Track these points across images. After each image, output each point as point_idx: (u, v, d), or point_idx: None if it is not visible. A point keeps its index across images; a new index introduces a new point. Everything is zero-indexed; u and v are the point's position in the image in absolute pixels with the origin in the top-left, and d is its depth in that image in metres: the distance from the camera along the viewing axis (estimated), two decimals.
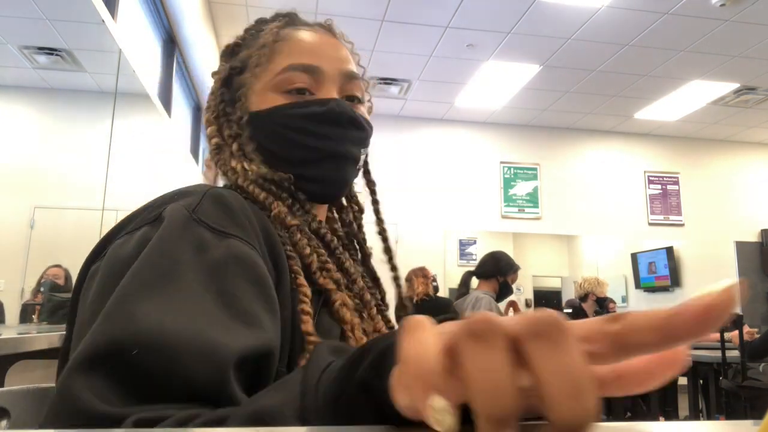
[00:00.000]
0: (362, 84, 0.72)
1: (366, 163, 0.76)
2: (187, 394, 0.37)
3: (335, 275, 0.61)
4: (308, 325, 0.52)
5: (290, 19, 0.73)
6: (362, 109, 0.72)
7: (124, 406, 0.35)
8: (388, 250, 0.77)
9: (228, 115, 0.69)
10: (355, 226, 0.76)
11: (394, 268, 0.76)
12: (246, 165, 0.65)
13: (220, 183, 0.70)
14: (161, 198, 0.53)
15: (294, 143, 0.65)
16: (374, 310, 0.66)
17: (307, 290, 0.54)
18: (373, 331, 0.63)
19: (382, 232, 0.77)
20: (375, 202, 0.79)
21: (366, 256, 0.76)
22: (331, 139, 0.65)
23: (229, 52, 0.74)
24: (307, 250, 0.59)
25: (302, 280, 0.55)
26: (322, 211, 0.71)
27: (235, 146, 0.67)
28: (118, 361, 0.36)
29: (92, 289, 0.46)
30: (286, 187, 0.65)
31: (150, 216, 0.49)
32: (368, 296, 0.65)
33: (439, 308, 3.87)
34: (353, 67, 0.71)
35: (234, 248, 0.47)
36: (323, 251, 0.62)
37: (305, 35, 0.70)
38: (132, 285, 0.41)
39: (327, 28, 0.73)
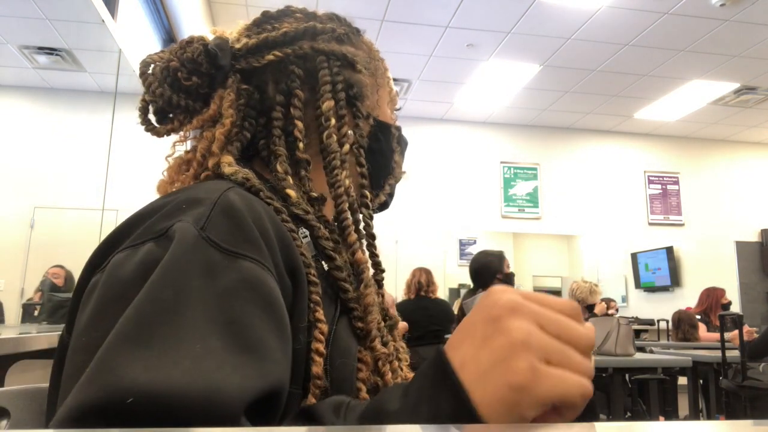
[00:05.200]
0: None
1: None
2: None
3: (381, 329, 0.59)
4: (319, 368, 0.48)
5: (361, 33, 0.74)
6: None
7: None
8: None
9: (347, 106, 0.65)
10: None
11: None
12: (349, 182, 0.62)
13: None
14: (170, 203, 0.48)
15: (387, 167, 0.72)
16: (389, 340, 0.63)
17: (325, 327, 0.50)
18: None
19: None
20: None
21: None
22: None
23: (336, 37, 0.67)
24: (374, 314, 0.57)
25: (321, 314, 0.51)
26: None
27: (346, 147, 0.64)
28: (109, 413, 0.34)
29: (89, 306, 0.43)
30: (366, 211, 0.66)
31: (156, 229, 0.45)
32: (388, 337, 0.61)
33: (433, 310, 3.88)
34: None
35: (245, 271, 0.44)
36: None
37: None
38: (129, 326, 0.38)
39: None
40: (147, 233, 0.45)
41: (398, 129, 0.73)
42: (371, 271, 0.61)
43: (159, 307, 0.39)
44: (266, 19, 0.68)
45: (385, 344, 0.57)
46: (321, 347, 0.49)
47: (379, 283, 0.65)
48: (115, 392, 0.34)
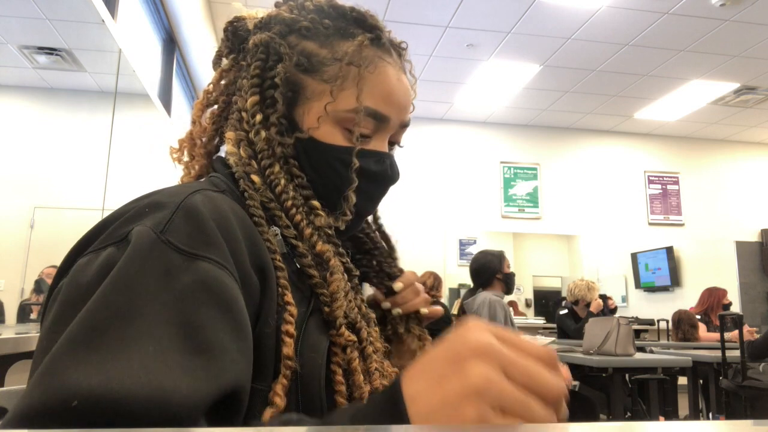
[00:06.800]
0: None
1: None
2: None
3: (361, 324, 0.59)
4: (290, 348, 0.49)
5: (376, 37, 0.63)
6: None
7: None
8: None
9: (272, 106, 0.61)
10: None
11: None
12: (291, 187, 0.60)
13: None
14: (134, 208, 0.48)
15: (337, 190, 0.61)
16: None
17: (294, 310, 0.51)
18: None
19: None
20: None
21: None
22: (371, 200, 0.65)
23: (296, 28, 0.62)
24: (341, 301, 0.56)
25: (289, 297, 0.51)
26: None
27: (279, 150, 0.60)
28: (55, 416, 0.34)
29: (52, 311, 0.43)
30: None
31: (118, 234, 0.45)
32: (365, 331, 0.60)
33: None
34: (409, 114, 0.68)
35: (202, 272, 0.43)
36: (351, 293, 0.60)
37: (389, 74, 0.63)
38: (79, 330, 0.38)
39: (402, 63, 0.67)
40: (109, 238, 0.46)
41: (350, 152, 0.61)
42: (339, 265, 0.58)
43: (111, 309, 0.39)
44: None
45: (357, 331, 0.57)
46: (291, 328, 0.50)
47: (355, 289, 0.63)
48: (59, 395, 0.34)
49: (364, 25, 0.63)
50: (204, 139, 0.66)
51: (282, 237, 0.57)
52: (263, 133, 0.60)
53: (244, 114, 0.61)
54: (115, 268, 0.42)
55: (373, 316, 0.65)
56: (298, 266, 0.57)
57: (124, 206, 0.50)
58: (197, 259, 0.44)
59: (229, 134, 0.61)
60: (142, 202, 0.49)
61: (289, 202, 0.58)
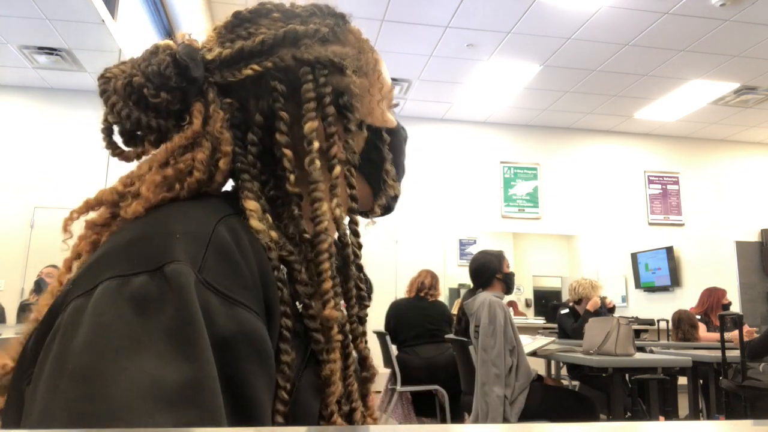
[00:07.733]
0: None
1: None
2: None
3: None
4: (283, 408, 0.48)
5: (346, 16, 0.64)
6: None
7: None
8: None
9: (338, 122, 0.58)
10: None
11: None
12: (342, 212, 0.56)
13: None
14: (159, 232, 0.44)
15: (402, 165, 0.67)
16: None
17: (290, 375, 0.48)
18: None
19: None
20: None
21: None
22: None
23: (320, 38, 0.58)
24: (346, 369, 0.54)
25: (291, 355, 0.48)
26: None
27: (337, 172, 0.56)
28: None
29: (80, 335, 0.38)
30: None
31: (149, 259, 0.42)
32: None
33: (429, 310, 3.90)
34: None
35: (243, 323, 0.42)
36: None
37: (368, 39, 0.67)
38: (154, 388, 0.36)
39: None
40: (140, 263, 0.41)
41: (391, 132, 0.64)
42: (345, 314, 0.55)
43: (174, 366, 0.37)
44: (239, 21, 0.58)
45: (352, 411, 0.55)
46: (284, 394, 0.48)
47: (362, 320, 0.59)
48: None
49: (335, 12, 0.63)
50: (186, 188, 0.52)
51: (290, 281, 0.51)
52: (317, 162, 0.55)
53: (287, 151, 0.54)
54: (168, 310, 0.39)
55: (377, 371, 0.62)
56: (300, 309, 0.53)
57: (147, 228, 0.46)
58: (235, 305, 0.42)
59: (251, 204, 0.51)
60: (169, 227, 0.45)
61: (323, 246, 0.53)
